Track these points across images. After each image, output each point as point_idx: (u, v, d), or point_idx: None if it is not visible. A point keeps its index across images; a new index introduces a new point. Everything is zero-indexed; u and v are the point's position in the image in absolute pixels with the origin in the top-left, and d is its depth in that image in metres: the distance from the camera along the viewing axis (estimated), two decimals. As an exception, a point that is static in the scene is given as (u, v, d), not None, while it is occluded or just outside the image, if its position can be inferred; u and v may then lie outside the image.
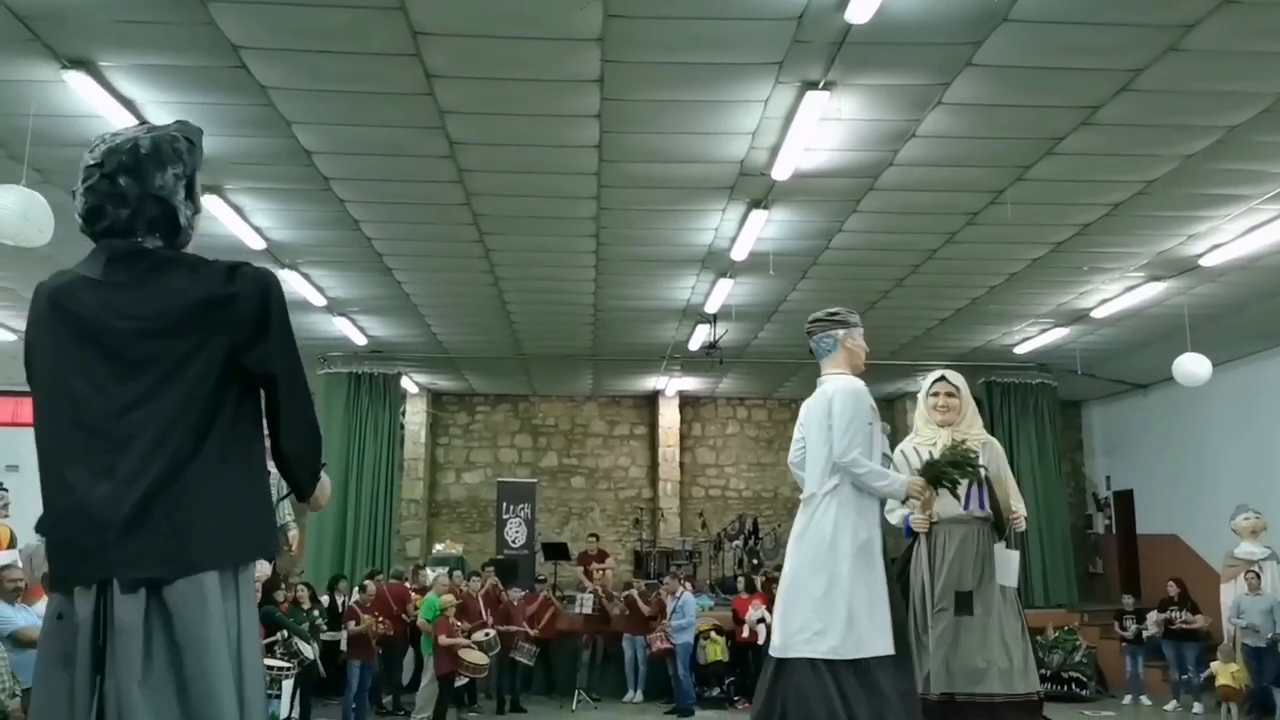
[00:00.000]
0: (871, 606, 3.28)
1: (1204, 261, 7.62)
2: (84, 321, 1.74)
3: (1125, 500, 13.35)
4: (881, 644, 3.26)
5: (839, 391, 3.43)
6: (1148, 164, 5.99)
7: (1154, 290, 8.40)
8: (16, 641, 5.18)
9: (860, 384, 3.50)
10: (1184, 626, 8.89)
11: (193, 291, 1.75)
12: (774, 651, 3.33)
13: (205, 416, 1.72)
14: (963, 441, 3.81)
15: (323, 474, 1.93)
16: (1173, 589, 9.23)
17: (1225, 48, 4.61)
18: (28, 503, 7.87)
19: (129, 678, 1.60)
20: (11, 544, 6.33)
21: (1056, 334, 10.16)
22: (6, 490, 6.46)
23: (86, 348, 1.73)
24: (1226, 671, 7.92)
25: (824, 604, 3.25)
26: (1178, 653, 8.97)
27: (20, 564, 5.84)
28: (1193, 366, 8.34)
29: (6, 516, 6.40)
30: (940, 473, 3.60)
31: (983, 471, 3.90)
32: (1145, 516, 12.79)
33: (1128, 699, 9.40)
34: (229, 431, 1.74)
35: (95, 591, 1.65)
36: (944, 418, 4.03)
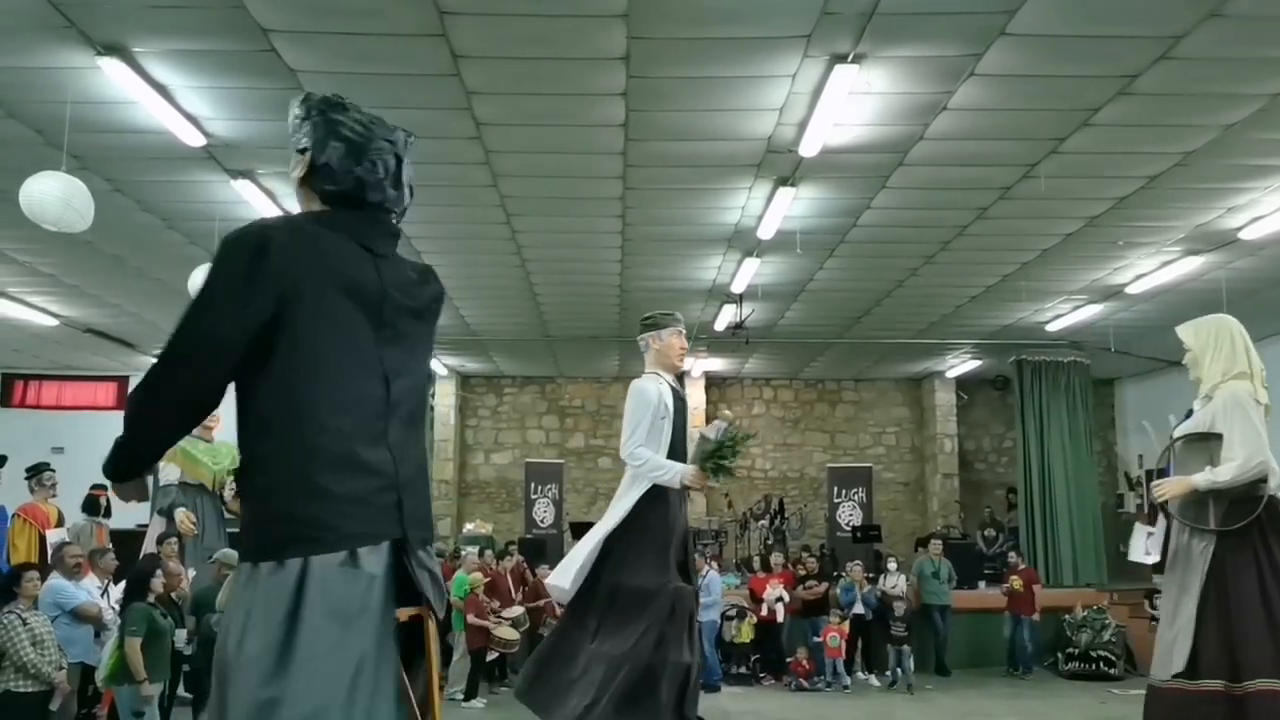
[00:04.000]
0: (578, 560, 3.77)
1: (1243, 235, 7.45)
2: (361, 284, 1.77)
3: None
4: (556, 579, 3.84)
5: (630, 392, 3.91)
6: (1186, 134, 5.85)
7: (1191, 265, 8.23)
8: (76, 616, 5.36)
9: (650, 383, 3.90)
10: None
11: (431, 285, 1.96)
12: None
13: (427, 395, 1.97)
14: (734, 425, 4.01)
15: None
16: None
17: (1268, 12, 4.48)
18: (74, 483, 8.13)
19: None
20: (59, 523, 6.52)
21: (1090, 311, 10.00)
22: (53, 471, 6.64)
23: (360, 309, 1.76)
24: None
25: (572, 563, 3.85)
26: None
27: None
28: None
29: (54, 496, 6.58)
30: (705, 460, 3.84)
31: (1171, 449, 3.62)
32: (1180, 496, 12.59)
33: (1160, 678, 9.30)
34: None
35: (387, 549, 1.71)
36: (1191, 376, 3.73)
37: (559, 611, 8.80)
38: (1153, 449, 3.84)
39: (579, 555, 3.79)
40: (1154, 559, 3.53)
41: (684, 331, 4.10)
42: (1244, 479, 3.32)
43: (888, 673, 8.92)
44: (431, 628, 1.78)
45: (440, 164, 6.40)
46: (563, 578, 3.78)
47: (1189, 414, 3.65)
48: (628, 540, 3.74)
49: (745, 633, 9.09)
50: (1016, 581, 9.79)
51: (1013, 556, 10.46)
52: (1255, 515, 3.31)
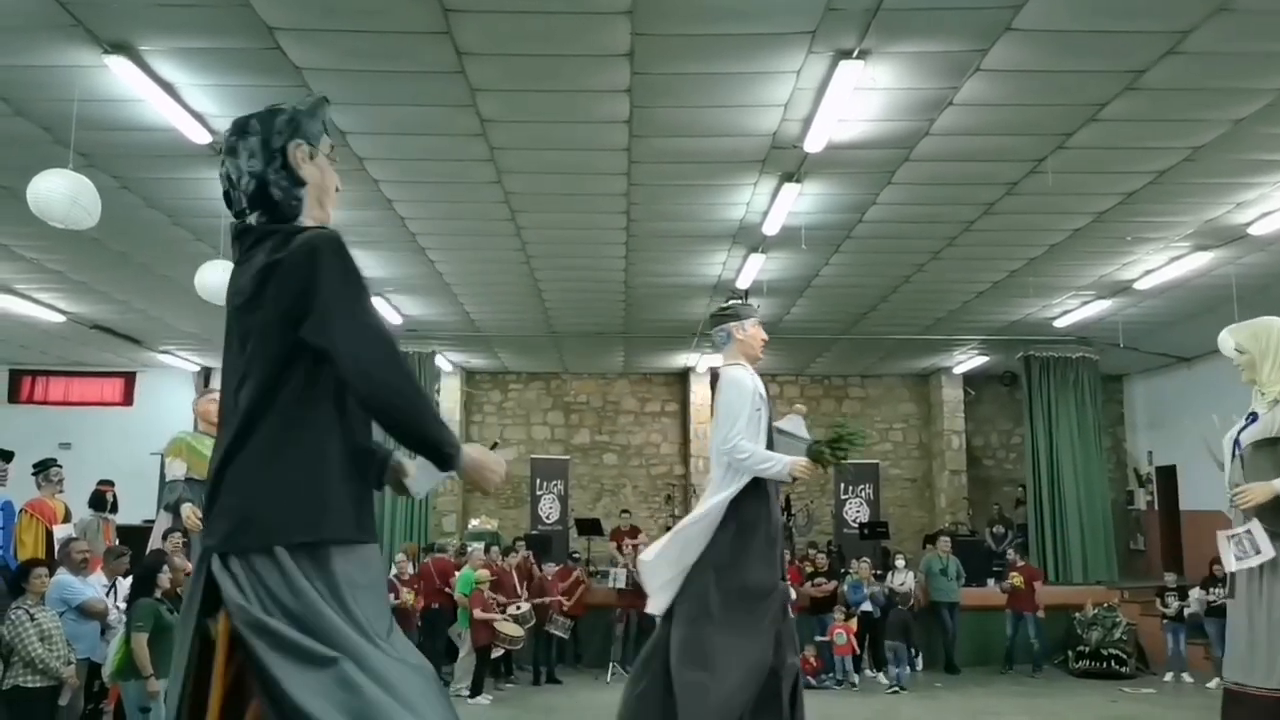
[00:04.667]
0: (673, 565, 3.53)
1: (1252, 230, 7.40)
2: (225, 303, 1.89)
3: (1168, 476, 13.11)
4: (653, 604, 3.62)
5: (722, 383, 3.75)
6: (1194, 129, 5.81)
7: (1200, 260, 8.18)
8: (83, 612, 5.38)
9: (743, 373, 3.73)
10: (1227, 602, 8.73)
11: (260, 263, 1.77)
12: None
13: (268, 391, 1.72)
14: (843, 423, 3.98)
15: (468, 451, 1.82)
16: (1218, 571, 9.08)
17: (1276, 7, 4.44)
18: (81, 479, 8.10)
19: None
20: (66, 518, 6.55)
21: (1098, 306, 9.95)
22: (61, 467, 6.66)
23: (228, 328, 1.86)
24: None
25: (666, 565, 3.60)
26: (1220, 630, 8.82)
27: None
28: (1227, 333, 8.11)
29: (61, 492, 6.61)
30: (819, 452, 3.76)
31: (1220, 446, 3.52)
32: (1189, 492, 12.55)
33: (1169, 676, 9.28)
34: (292, 407, 1.72)
35: (199, 555, 1.80)
36: (1245, 378, 3.62)
37: (550, 613, 8.82)
38: (1198, 447, 3.72)
39: (672, 559, 3.53)
40: (1260, 558, 3.37)
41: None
42: None
43: (896, 670, 8.89)
44: (222, 631, 1.68)
45: (445, 161, 6.40)
46: (659, 590, 3.52)
47: (1251, 416, 3.54)
48: (731, 537, 3.50)
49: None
50: (1017, 578, 9.76)
51: (1011, 553, 10.43)
52: None
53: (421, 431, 1.74)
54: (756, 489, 3.58)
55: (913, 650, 9.19)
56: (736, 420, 3.57)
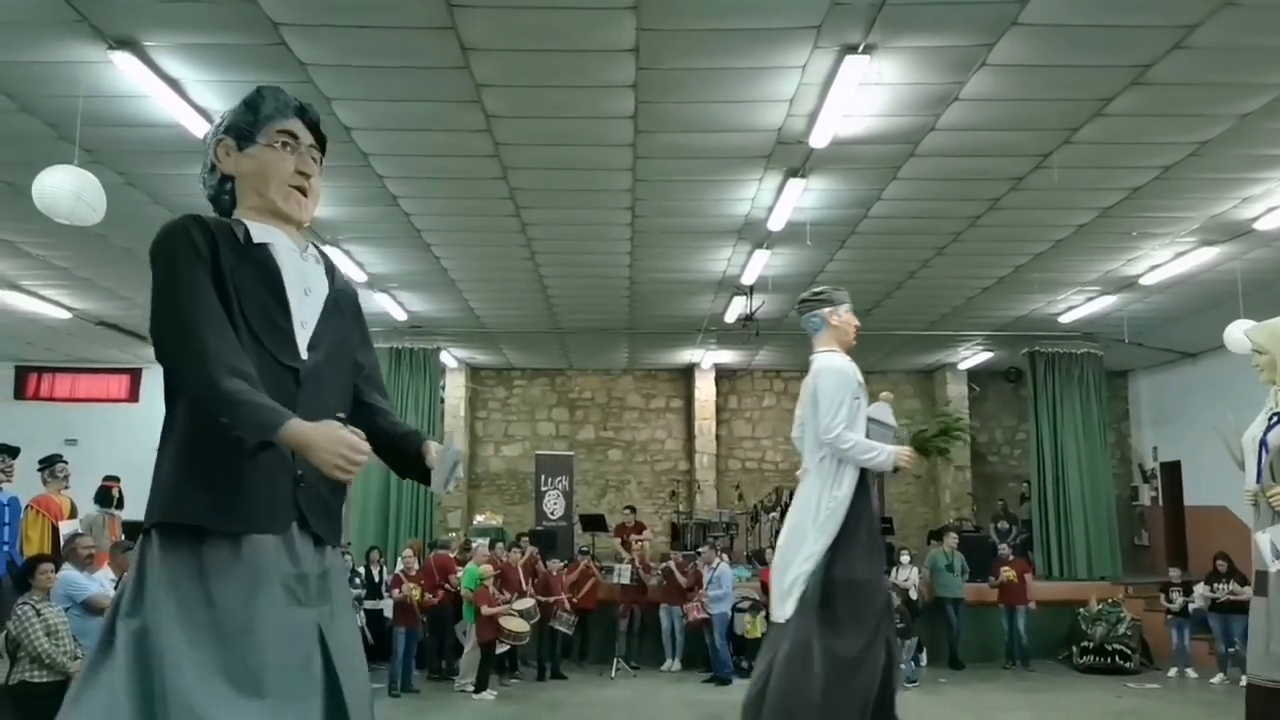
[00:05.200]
0: (794, 576, 3.44)
1: (1258, 225, 7.38)
2: None
3: (1173, 471, 13.08)
4: (778, 611, 3.46)
5: (822, 370, 3.67)
6: (1200, 124, 5.79)
7: (1205, 256, 8.16)
8: (89, 608, 5.40)
9: (842, 360, 3.69)
10: (1231, 598, 8.73)
11: None
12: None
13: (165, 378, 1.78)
14: (948, 414, 3.91)
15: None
16: (1221, 566, 9.09)
17: (1286, -1, 4.43)
18: (87, 475, 8.14)
19: None
20: (72, 514, 6.57)
21: (1103, 302, 9.93)
22: (66, 463, 6.69)
23: None
24: None
25: (788, 571, 3.47)
26: (1224, 625, 8.83)
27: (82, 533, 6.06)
28: (1245, 334, 8.09)
29: (67, 488, 6.63)
30: (926, 442, 3.72)
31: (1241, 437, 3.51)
32: (1194, 488, 12.53)
33: (1173, 672, 9.28)
34: (173, 397, 1.74)
35: None
36: (1263, 379, 3.62)
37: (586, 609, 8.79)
38: (1206, 443, 3.71)
39: (790, 563, 3.43)
40: None
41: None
42: None
43: (901, 666, 8.89)
44: None
45: (450, 157, 6.40)
46: (780, 597, 3.44)
47: (1276, 418, 3.51)
48: (841, 532, 3.44)
49: (757, 626, 9.10)
50: (1009, 573, 9.76)
51: (1003, 549, 10.43)
52: None
53: (226, 416, 1.61)
54: (861, 481, 3.53)
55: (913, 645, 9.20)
56: (839, 409, 3.47)
